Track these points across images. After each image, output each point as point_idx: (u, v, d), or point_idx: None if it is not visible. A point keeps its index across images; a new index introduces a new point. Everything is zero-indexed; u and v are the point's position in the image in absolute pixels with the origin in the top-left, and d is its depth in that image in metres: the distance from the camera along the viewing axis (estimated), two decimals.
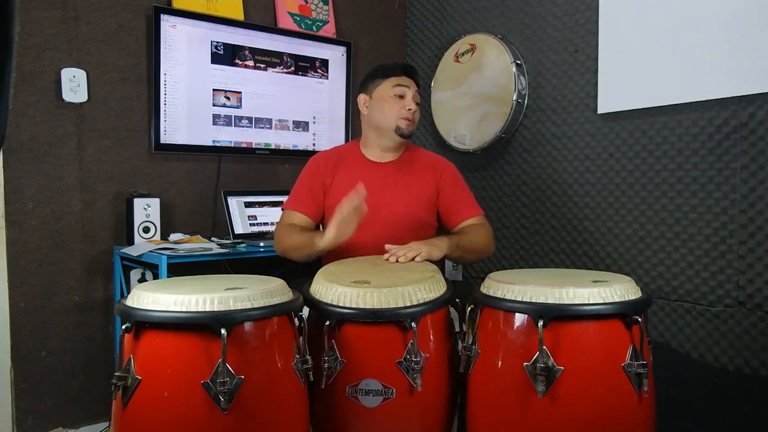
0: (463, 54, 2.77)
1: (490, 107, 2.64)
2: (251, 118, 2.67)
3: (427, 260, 1.61)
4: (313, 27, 2.86)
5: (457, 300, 1.43)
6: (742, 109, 1.97)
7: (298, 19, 2.81)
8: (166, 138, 2.43)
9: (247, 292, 1.18)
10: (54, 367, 2.21)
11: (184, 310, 1.13)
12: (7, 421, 2.11)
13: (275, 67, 2.72)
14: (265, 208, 2.57)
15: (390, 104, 1.87)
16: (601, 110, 2.33)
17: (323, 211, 1.92)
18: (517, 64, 2.57)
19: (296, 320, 1.27)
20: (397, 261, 1.60)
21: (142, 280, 2.28)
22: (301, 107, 2.83)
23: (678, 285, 2.14)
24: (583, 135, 2.41)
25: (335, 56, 2.92)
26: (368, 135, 1.96)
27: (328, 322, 1.25)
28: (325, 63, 2.88)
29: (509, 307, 1.25)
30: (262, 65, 2.68)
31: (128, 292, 1.27)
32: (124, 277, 2.28)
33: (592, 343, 1.21)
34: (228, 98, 2.59)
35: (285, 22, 2.77)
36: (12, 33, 0.75)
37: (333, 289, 1.30)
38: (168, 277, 1.99)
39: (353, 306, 1.26)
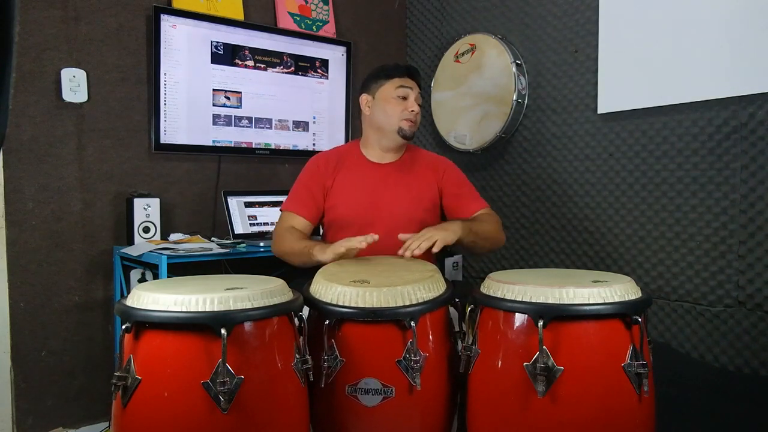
0: (463, 54, 2.77)
1: (490, 107, 2.64)
2: (251, 118, 2.67)
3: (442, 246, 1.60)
4: (313, 27, 2.86)
5: (457, 300, 1.43)
6: (742, 109, 1.97)
7: (298, 19, 2.81)
8: (166, 138, 2.43)
9: (247, 292, 1.18)
10: (54, 367, 2.21)
11: (184, 310, 1.13)
12: (7, 421, 2.11)
13: (275, 67, 2.72)
14: (265, 208, 2.57)
15: (393, 105, 1.86)
16: (601, 110, 2.33)
17: (323, 212, 1.92)
18: (517, 64, 2.57)
19: (296, 320, 1.27)
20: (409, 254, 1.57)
21: (142, 280, 2.28)
22: (301, 107, 2.83)
23: (678, 285, 2.14)
24: (583, 135, 2.41)
25: (335, 56, 2.92)
26: (369, 135, 1.95)
27: (327, 322, 1.26)
28: (325, 63, 2.88)
29: (509, 307, 1.25)
30: (262, 65, 2.68)
31: (128, 292, 1.27)
32: (124, 277, 2.28)
33: (592, 343, 1.21)
34: (228, 98, 2.59)
35: (285, 22, 2.77)
36: (12, 33, 0.75)
37: (332, 288, 1.31)
38: (168, 277, 1.99)
39: (353, 305, 1.26)
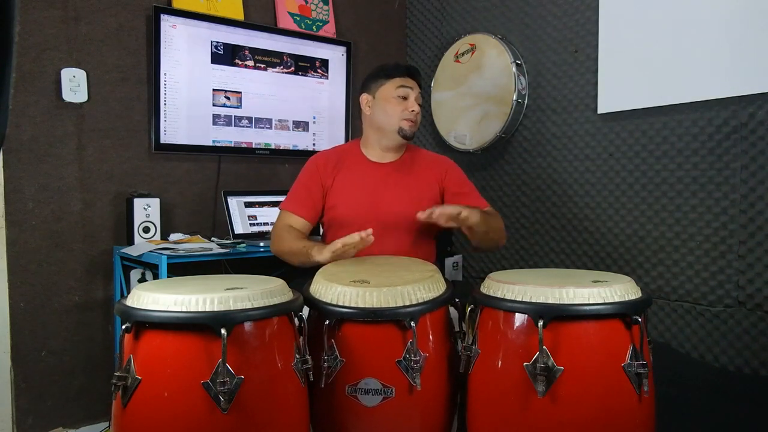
0: (463, 54, 2.77)
1: (490, 107, 2.64)
2: (251, 118, 2.67)
3: (469, 225, 1.62)
4: (313, 27, 2.86)
5: (457, 300, 1.43)
6: (742, 109, 1.97)
7: (298, 19, 2.81)
8: (166, 138, 2.43)
9: (247, 292, 1.18)
10: (54, 367, 2.21)
11: (184, 310, 1.13)
12: (7, 421, 2.11)
13: (275, 67, 2.72)
14: (265, 208, 2.57)
15: (393, 105, 1.86)
16: (601, 110, 2.33)
17: (322, 212, 1.92)
18: (517, 64, 2.57)
19: (296, 320, 1.27)
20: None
21: (142, 280, 2.28)
22: (301, 107, 2.82)
23: (678, 285, 2.14)
24: (583, 135, 2.41)
25: (335, 56, 2.92)
26: (369, 135, 1.95)
27: (327, 322, 1.26)
28: (325, 63, 2.88)
29: (509, 307, 1.25)
30: (262, 65, 2.68)
31: (128, 292, 1.27)
32: (124, 277, 2.28)
33: (592, 343, 1.21)
34: (228, 98, 2.59)
35: (285, 22, 2.77)
36: (12, 33, 0.75)
37: (333, 288, 1.30)
38: (168, 277, 1.99)
39: (353, 305, 1.26)
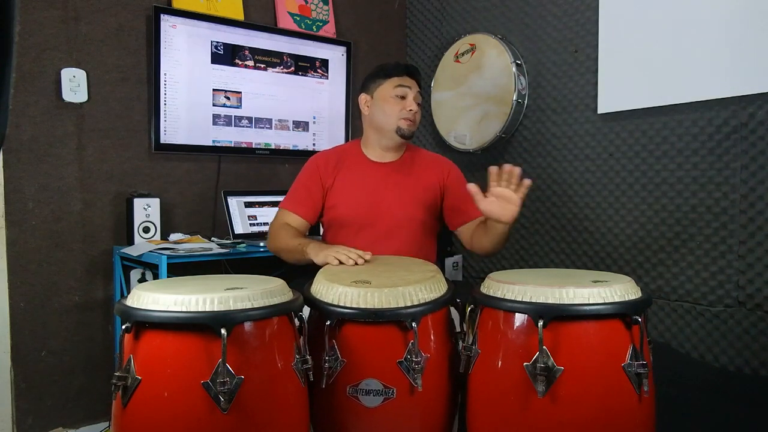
0: (463, 54, 2.77)
1: (490, 107, 2.64)
2: (251, 118, 2.67)
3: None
4: (313, 27, 2.86)
5: (458, 300, 1.43)
6: (742, 109, 1.97)
7: (298, 19, 2.81)
8: (166, 138, 2.43)
9: (247, 292, 1.18)
10: (54, 367, 2.21)
11: (184, 310, 1.13)
12: (7, 421, 2.11)
13: (275, 67, 2.72)
14: (265, 208, 2.57)
15: (391, 104, 1.86)
16: (601, 110, 2.33)
17: (321, 212, 1.93)
18: (517, 64, 2.57)
19: (296, 320, 1.27)
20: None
21: (142, 280, 2.28)
22: (301, 107, 2.82)
23: (678, 285, 2.14)
24: (583, 135, 2.41)
25: (335, 56, 2.92)
26: (369, 135, 1.95)
27: (328, 322, 1.26)
28: (325, 63, 2.88)
29: (509, 307, 1.25)
30: (262, 65, 2.68)
31: (128, 292, 1.27)
32: (124, 277, 2.28)
33: (592, 343, 1.21)
34: (228, 98, 2.59)
35: (285, 22, 2.77)
36: (12, 33, 0.75)
37: (334, 288, 1.30)
38: (168, 277, 1.99)
39: (354, 306, 1.26)
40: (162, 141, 2.42)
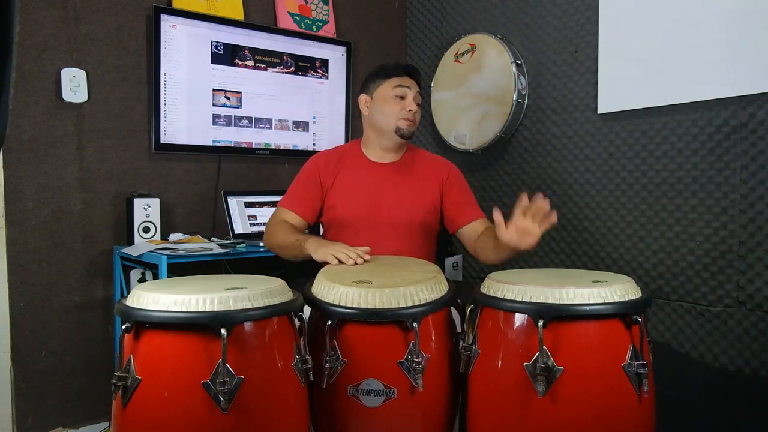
0: (463, 54, 2.77)
1: (490, 107, 2.64)
2: (251, 118, 2.67)
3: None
4: (313, 27, 2.86)
5: (459, 300, 1.42)
6: (742, 109, 1.97)
7: (298, 19, 2.81)
8: (166, 138, 2.43)
9: (247, 292, 1.18)
10: (54, 367, 2.21)
11: (184, 310, 1.13)
12: (7, 421, 2.11)
13: (275, 67, 2.72)
14: (265, 208, 2.57)
15: (390, 105, 1.86)
16: (601, 110, 2.33)
17: (319, 212, 1.93)
18: (517, 64, 2.57)
19: (296, 320, 1.27)
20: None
21: (142, 280, 2.28)
22: (301, 107, 2.82)
23: (678, 285, 2.14)
24: (583, 135, 2.41)
25: (335, 56, 2.92)
26: (369, 135, 1.95)
27: (329, 322, 1.25)
28: (325, 63, 2.88)
29: (509, 307, 1.25)
30: (262, 65, 2.68)
31: (128, 292, 1.27)
32: (124, 277, 2.28)
33: (592, 343, 1.21)
34: (228, 98, 2.59)
35: (285, 22, 2.77)
36: (12, 33, 0.75)
37: (335, 288, 1.30)
38: (168, 277, 1.99)
39: (355, 306, 1.26)
40: (162, 141, 2.42)
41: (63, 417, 2.24)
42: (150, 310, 1.14)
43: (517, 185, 2.66)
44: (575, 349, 1.20)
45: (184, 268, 2.15)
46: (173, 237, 2.37)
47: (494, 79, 2.63)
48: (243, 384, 1.11)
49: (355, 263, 1.55)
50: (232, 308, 1.14)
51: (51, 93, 2.19)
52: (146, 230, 2.28)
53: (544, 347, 1.17)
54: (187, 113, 2.48)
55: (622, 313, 1.21)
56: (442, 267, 2.66)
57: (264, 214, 2.55)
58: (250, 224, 2.50)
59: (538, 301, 1.21)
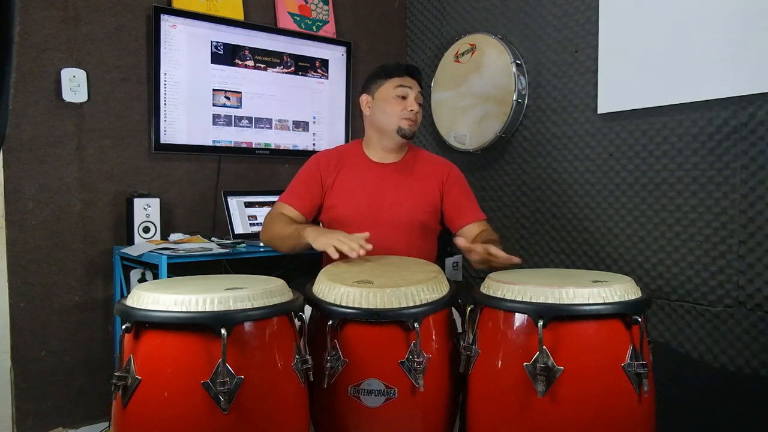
0: (463, 54, 2.77)
1: (490, 107, 2.64)
2: (251, 118, 2.67)
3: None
4: (313, 27, 2.86)
5: (460, 301, 1.42)
6: (742, 109, 1.97)
7: (298, 19, 2.81)
8: (166, 138, 2.43)
9: (247, 292, 1.18)
10: (54, 367, 2.21)
11: (184, 310, 1.13)
12: (7, 421, 2.11)
13: (275, 67, 2.72)
14: (265, 208, 2.57)
15: (392, 105, 1.86)
16: (601, 110, 2.33)
17: (317, 210, 1.93)
18: (517, 64, 2.57)
19: (296, 320, 1.27)
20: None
21: (142, 280, 2.28)
22: (301, 107, 2.82)
23: (678, 285, 2.14)
24: (583, 135, 2.41)
25: (335, 56, 2.92)
26: (370, 135, 1.95)
27: (330, 322, 1.26)
28: (325, 63, 2.88)
29: (509, 307, 1.25)
30: (262, 65, 2.68)
31: (128, 292, 1.27)
32: (124, 277, 2.28)
33: (592, 343, 1.21)
34: (228, 98, 2.59)
35: (285, 22, 2.77)
36: (12, 33, 0.75)
37: (336, 288, 1.30)
38: (168, 277, 1.99)
39: (356, 306, 1.26)
40: (162, 141, 2.42)
41: (63, 417, 2.24)
42: (150, 310, 1.14)
43: (517, 185, 2.66)
44: (575, 349, 1.20)
45: (184, 268, 2.15)
46: (173, 237, 2.37)
47: (494, 79, 2.63)
48: (243, 384, 1.11)
49: (358, 255, 1.52)
50: (232, 308, 1.14)
51: (51, 93, 2.19)
52: (146, 230, 2.28)
53: (544, 347, 1.17)
54: (187, 113, 2.48)
55: (622, 313, 1.21)
56: (443, 267, 2.66)
57: (264, 214, 2.54)
58: (250, 224, 2.50)
59: (538, 301, 1.21)
